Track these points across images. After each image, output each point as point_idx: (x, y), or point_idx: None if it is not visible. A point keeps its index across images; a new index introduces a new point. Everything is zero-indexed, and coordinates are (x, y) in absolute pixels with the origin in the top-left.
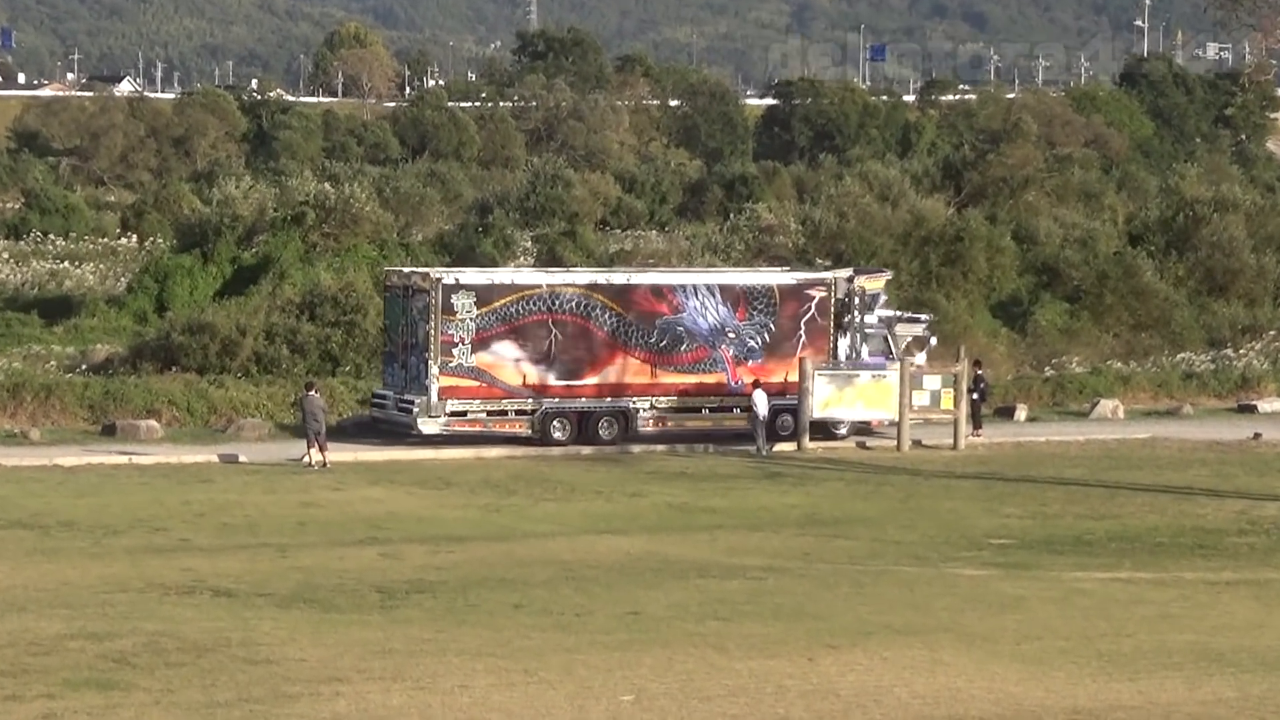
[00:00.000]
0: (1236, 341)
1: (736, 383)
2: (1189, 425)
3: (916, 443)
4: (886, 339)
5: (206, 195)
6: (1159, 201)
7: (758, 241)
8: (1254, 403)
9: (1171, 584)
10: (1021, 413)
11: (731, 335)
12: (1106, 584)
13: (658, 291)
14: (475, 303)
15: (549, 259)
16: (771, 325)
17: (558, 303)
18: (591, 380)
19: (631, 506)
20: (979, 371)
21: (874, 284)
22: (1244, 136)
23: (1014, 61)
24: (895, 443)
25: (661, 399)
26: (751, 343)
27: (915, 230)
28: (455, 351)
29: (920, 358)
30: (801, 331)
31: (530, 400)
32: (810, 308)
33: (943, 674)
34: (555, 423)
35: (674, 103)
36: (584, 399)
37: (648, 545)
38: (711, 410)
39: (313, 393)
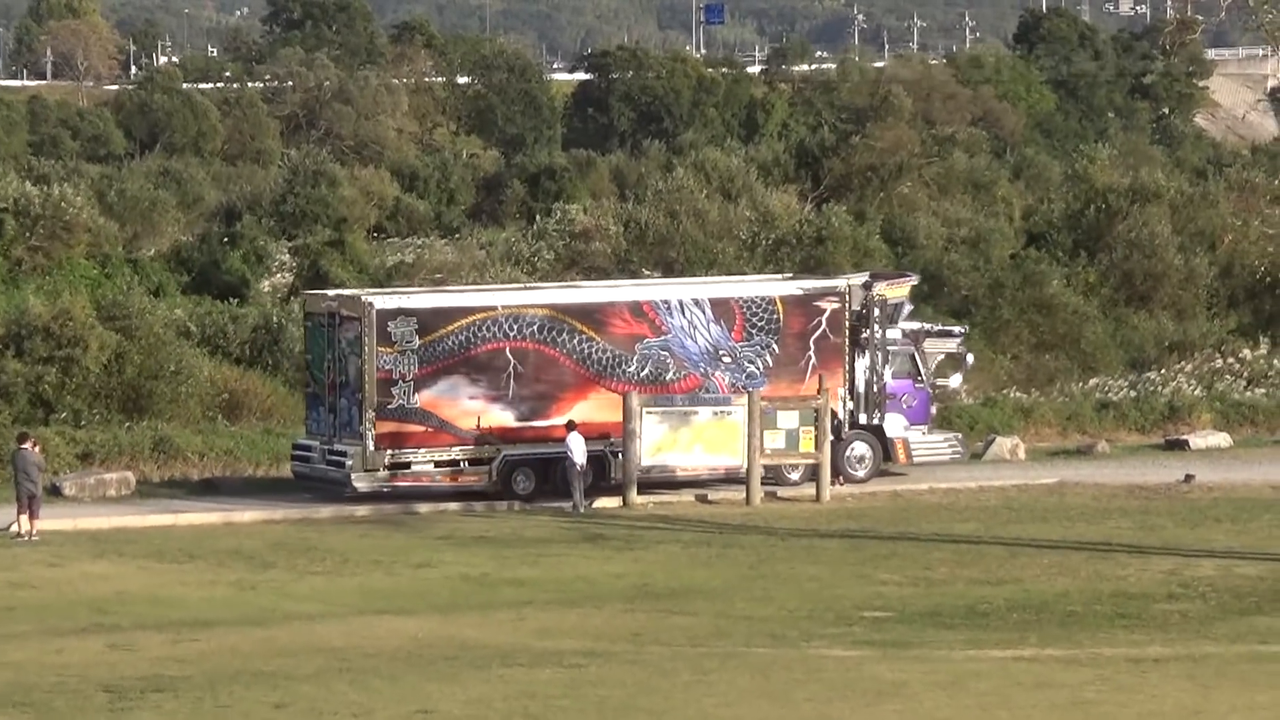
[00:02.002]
0: (1162, 362)
1: None
2: (1105, 466)
3: (770, 495)
4: (913, 358)
5: None
6: (1064, 192)
7: (570, 250)
8: (1184, 437)
9: (1087, 662)
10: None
11: (727, 359)
12: (1006, 664)
13: (636, 309)
14: (417, 330)
15: (312, 275)
16: (774, 345)
17: (517, 327)
18: (559, 420)
19: (418, 580)
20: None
21: (896, 291)
22: (1167, 110)
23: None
24: (744, 495)
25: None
26: (751, 367)
27: (764, 232)
28: (395, 390)
29: (955, 380)
30: (811, 352)
31: (487, 447)
32: (821, 322)
33: None
34: (518, 473)
35: (464, 80)
36: (551, 443)
37: (439, 628)
38: None
39: (26, 446)
